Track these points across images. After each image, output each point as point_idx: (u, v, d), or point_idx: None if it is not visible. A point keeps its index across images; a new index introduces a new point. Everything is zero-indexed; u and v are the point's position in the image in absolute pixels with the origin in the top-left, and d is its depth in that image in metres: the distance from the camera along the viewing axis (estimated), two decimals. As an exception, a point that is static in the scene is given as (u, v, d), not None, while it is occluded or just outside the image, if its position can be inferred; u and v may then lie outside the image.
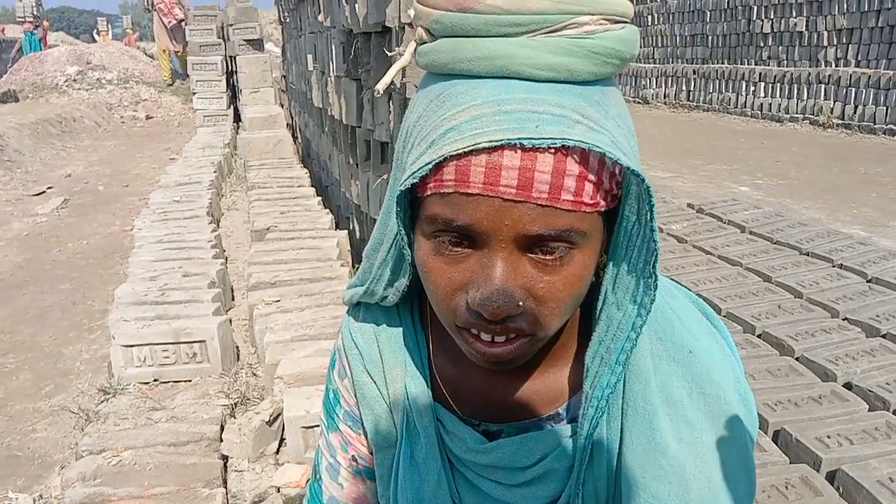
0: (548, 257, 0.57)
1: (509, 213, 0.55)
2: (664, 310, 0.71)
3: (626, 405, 0.69)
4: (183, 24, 12.40)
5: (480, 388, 0.76)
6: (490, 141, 0.53)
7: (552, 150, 0.54)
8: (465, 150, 0.54)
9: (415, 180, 0.57)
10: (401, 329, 0.79)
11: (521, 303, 0.58)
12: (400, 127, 0.66)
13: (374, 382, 0.79)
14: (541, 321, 0.60)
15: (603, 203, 0.58)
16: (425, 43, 0.62)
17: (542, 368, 0.74)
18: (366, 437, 0.83)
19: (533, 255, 0.58)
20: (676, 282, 0.81)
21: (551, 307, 0.60)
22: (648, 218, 0.58)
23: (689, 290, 2.74)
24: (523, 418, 0.75)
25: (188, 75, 12.67)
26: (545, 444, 0.73)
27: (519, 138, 0.53)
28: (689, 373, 0.69)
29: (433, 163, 0.55)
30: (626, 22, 0.59)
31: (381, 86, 0.67)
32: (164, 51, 13.51)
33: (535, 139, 0.53)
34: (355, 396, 0.82)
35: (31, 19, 19.47)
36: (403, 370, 0.78)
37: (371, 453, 0.84)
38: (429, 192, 0.58)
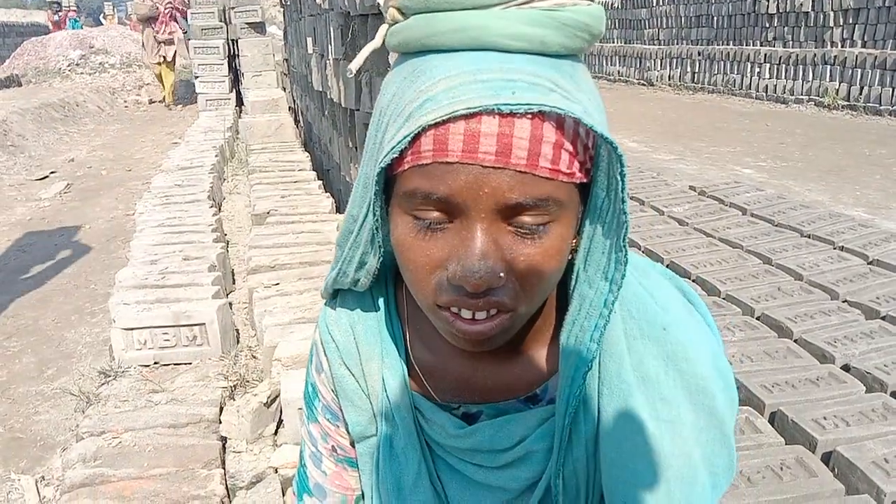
0: (527, 229, 0.58)
1: (488, 181, 0.55)
2: (636, 288, 0.71)
3: (601, 385, 0.69)
4: (175, 38, 11.04)
5: (458, 373, 0.76)
6: (467, 108, 0.53)
7: (529, 116, 0.54)
8: (443, 118, 0.54)
9: (394, 154, 0.56)
10: (377, 318, 0.79)
11: (501, 274, 0.58)
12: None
13: (353, 375, 0.79)
14: (521, 295, 0.60)
15: (578, 174, 0.58)
16: (398, 23, 0.62)
17: (520, 350, 0.74)
18: (346, 429, 0.83)
19: (512, 228, 0.58)
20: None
21: (531, 280, 0.60)
22: (620, 189, 0.59)
23: (689, 272, 2.72)
24: (502, 399, 0.75)
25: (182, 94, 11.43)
26: (524, 426, 0.74)
27: (496, 104, 0.53)
28: (663, 350, 0.69)
29: (412, 134, 0.55)
30: (592, 0, 0.60)
31: (353, 66, 0.67)
32: (159, 63, 11.40)
33: (512, 105, 0.53)
34: (333, 391, 0.82)
35: (75, 8, 21.23)
36: (380, 361, 0.78)
37: (352, 444, 0.84)
38: (406, 167, 0.58)
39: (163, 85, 11.84)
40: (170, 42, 11.04)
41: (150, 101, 12.44)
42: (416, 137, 0.56)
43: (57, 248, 4.73)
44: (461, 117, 0.54)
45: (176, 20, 11.12)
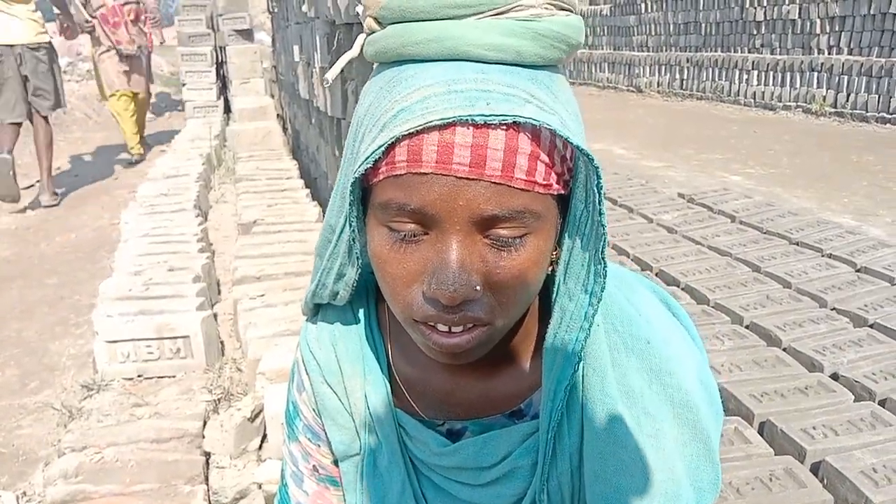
0: (503, 242, 0.57)
1: (463, 193, 0.54)
2: (620, 301, 0.71)
3: (585, 399, 0.69)
4: (141, 50, 7.40)
5: (442, 388, 0.75)
6: (442, 118, 0.53)
7: (504, 127, 0.54)
8: (417, 128, 0.53)
9: (368, 164, 0.56)
10: (358, 334, 0.77)
11: (477, 287, 0.57)
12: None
13: (335, 393, 0.78)
14: (498, 309, 0.60)
15: (556, 186, 0.58)
16: (375, 33, 0.61)
17: (503, 365, 0.73)
18: (328, 448, 0.82)
19: (488, 240, 0.57)
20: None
21: (508, 294, 0.59)
22: (597, 202, 0.58)
23: (679, 280, 2.72)
24: (486, 415, 0.74)
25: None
26: (508, 442, 0.73)
27: (470, 115, 0.53)
28: (647, 364, 0.69)
29: (386, 144, 0.55)
30: (570, 10, 0.59)
31: (329, 76, 0.67)
32: (114, 96, 7.24)
33: (486, 116, 0.53)
34: (315, 410, 0.81)
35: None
36: (363, 379, 0.76)
37: (334, 464, 0.83)
38: (381, 177, 0.57)
39: (125, 128, 7.45)
40: (137, 57, 7.27)
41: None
42: (391, 148, 0.55)
43: (42, 258, 4.68)
44: (435, 128, 0.53)
45: (139, 22, 7.42)
